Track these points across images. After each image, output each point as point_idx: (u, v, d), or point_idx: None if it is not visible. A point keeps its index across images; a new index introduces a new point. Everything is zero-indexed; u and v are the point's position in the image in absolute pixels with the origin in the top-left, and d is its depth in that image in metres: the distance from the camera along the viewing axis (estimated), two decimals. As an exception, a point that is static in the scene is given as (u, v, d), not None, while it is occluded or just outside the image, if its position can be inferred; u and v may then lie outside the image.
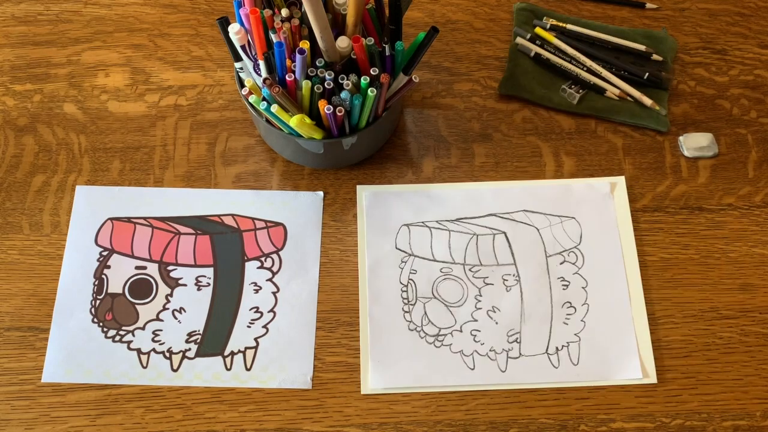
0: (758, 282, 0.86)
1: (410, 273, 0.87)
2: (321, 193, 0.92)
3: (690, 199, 0.91)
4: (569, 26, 1.01)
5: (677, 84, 0.99)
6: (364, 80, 0.80)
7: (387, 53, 0.81)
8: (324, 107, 0.79)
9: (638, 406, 0.80)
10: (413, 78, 0.81)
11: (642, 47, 0.99)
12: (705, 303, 0.85)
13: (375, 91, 0.79)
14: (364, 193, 0.92)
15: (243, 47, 0.82)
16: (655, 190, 0.92)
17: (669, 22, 1.03)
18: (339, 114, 0.81)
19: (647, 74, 0.96)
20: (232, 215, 0.91)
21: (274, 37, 0.79)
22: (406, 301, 0.86)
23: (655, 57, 0.99)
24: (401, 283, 0.87)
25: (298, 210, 0.91)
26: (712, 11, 1.04)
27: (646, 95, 0.95)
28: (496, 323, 0.85)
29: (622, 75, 0.97)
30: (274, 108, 0.79)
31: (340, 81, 0.81)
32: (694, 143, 0.94)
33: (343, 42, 0.80)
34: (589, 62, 0.98)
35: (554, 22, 1.01)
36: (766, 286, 0.86)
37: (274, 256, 0.88)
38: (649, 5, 1.04)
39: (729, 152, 0.94)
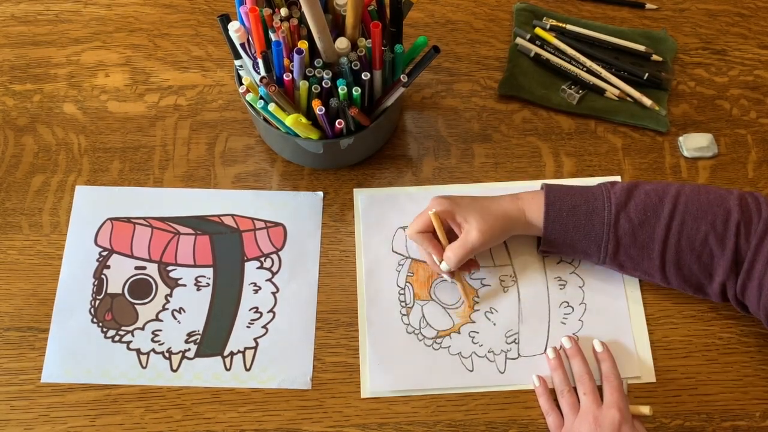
0: (758, 282, 0.86)
1: (407, 276, 0.87)
2: (321, 194, 0.92)
3: (690, 199, 0.91)
4: (569, 27, 1.01)
5: (677, 84, 0.99)
6: (356, 91, 0.81)
7: (387, 58, 0.82)
8: (317, 107, 0.79)
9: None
10: (402, 78, 0.81)
11: (642, 48, 0.99)
12: (705, 303, 0.85)
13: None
14: (360, 196, 0.91)
15: (243, 45, 0.82)
16: (655, 191, 0.92)
17: (669, 23, 1.03)
18: (338, 126, 0.82)
19: (647, 75, 0.96)
20: (232, 215, 0.91)
21: (272, 36, 0.79)
22: (403, 304, 0.86)
23: (654, 57, 0.99)
24: (398, 285, 0.87)
25: (298, 210, 0.91)
26: (711, 12, 1.04)
27: (645, 96, 0.95)
28: (494, 324, 0.85)
29: (622, 75, 0.97)
30: (272, 107, 0.79)
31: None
32: (694, 144, 0.94)
33: (342, 43, 0.80)
34: (588, 63, 0.98)
35: (554, 23, 1.01)
36: (766, 287, 0.86)
37: (274, 256, 0.89)
38: (648, 5, 1.04)
39: (729, 153, 0.94)
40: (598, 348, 0.81)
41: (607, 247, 0.79)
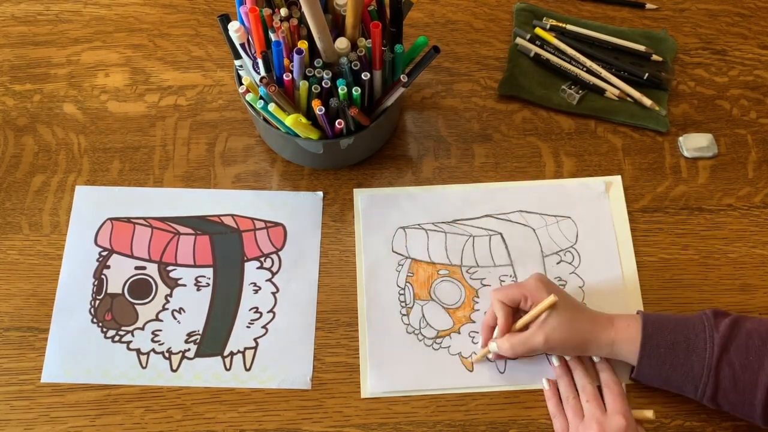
0: (758, 282, 0.86)
1: (407, 276, 0.87)
2: (320, 194, 0.92)
3: (690, 199, 0.91)
4: (569, 27, 1.01)
5: (677, 84, 0.99)
6: (356, 91, 0.81)
7: (387, 58, 0.82)
8: (317, 107, 0.79)
9: (638, 407, 0.80)
10: (402, 78, 0.81)
11: (642, 48, 0.99)
12: (705, 303, 0.85)
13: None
14: (360, 196, 0.91)
15: (242, 45, 0.82)
16: (655, 191, 0.92)
17: (669, 23, 1.03)
18: (338, 126, 0.82)
19: (647, 75, 0.96)
20: (232, 215, 0.91)
21: (272, 36, 0.79)
22: (403, 304, 0.86)
23: (654, 57, 0.99)
24: (398, 286, 0.87)
25: (298, 210, 0.91)
26: (711, 12, 1.04)
27: (645, 96, 0.95)
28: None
29: (622, 75, 0.97)
30: (272, 107, 0.79)
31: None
32: (694, 144, 0.94)
33: (342, 43, 0.80)
34: (588, 63, 0.98)
35: (554, 23, 1.01)
36: (766, 287, 0.86)
37: (274, 256, 0.89)
38: (649, 6, 1.04)
39: (729, 153, 0.94)
40: (595, 358, 0.81)
41: (705, 389, 0.74)
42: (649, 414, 0.77)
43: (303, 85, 0.80)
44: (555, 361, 0.81)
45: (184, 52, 1.02)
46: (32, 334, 0.85)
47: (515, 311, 0.80)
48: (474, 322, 0.84)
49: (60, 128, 0.97)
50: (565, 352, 0.79)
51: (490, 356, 0.82)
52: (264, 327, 0.85)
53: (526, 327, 0.78)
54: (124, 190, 0.92)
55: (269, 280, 0.87)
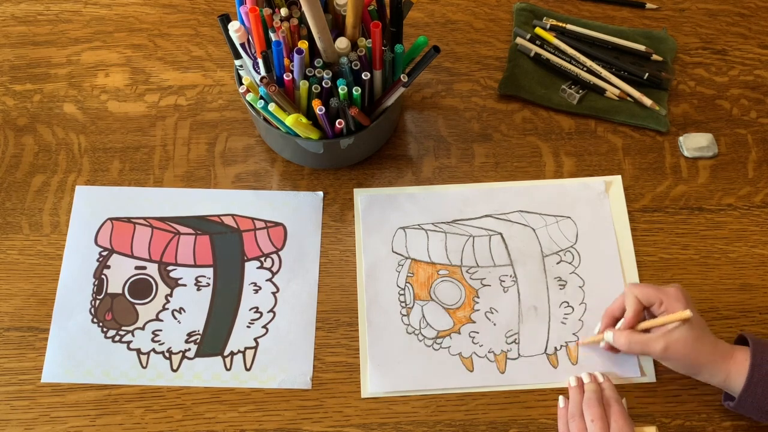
0: (758, 282, 0.86)
1: (407, 276, 0.87)
2: (321, 194, 0.92)
3: (690, 199, 0.91)
4: (569, 26, 1.01)
5: (677, 84, 0.99)
6: (356, 91, 0.81)
7: (387, 58, 0.82)
8: (317, 107, 0.79)
9: (638, 406, 0.80)
10: (402, 78, 0.81)
11: (642, 47, 0.99)
12: (705, 303, 0.85)
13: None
14: (360, 196, 0.91)
15: (243, 45, 0.82)
16: (655, 191, 0.92)
17: (669, 22, 1.03)
18: (338, 126, 0.82)
19: (647, 74, 0.96)
20: (232, 215, 0.91)
21: (272, 36, 0.79)
22: (403, 304, 0.86)
23: (655, 57, 0.99)
24: (398, 286, 0.87)
25: (298, 210, 0.91)
26: (712, 11, 1.04)
27: (646, 95, 0.95)
28: (494, 324, 0.84)
29: (622, 75, 0.97)
30: (272, 107, 0.79)
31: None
32: (694, 143, 0.94)
33: (342, 43, 0.80)
34: (589, 62, 0.98)
35: (554, 23, 1.01)
36: (766, 287, 0.86)
37: (274, 256, 0.89)
38: (649, 5, 1.04)
39: (729, 152, 0.94)
40: (600, 377, 0.80)
41: None
42: (651, 431, 0.77)
43: (303, 85, 0.80)
44: (572, 381, 0.80)
45: (184, 52, 1.02)
46: (32, 334, 0.85)
47: (644, 310, 0.78)
48: (474, 322, 0.84)
49: (60, 128, 0.97)
50: (677, 368, 0.77)
51: (601, 344, 0.81)
52: (264, 327, 0.85)
53: (647, 330, 0.77)
54: (124, 190, 0.92)
55: (269, 279, 0.87)
